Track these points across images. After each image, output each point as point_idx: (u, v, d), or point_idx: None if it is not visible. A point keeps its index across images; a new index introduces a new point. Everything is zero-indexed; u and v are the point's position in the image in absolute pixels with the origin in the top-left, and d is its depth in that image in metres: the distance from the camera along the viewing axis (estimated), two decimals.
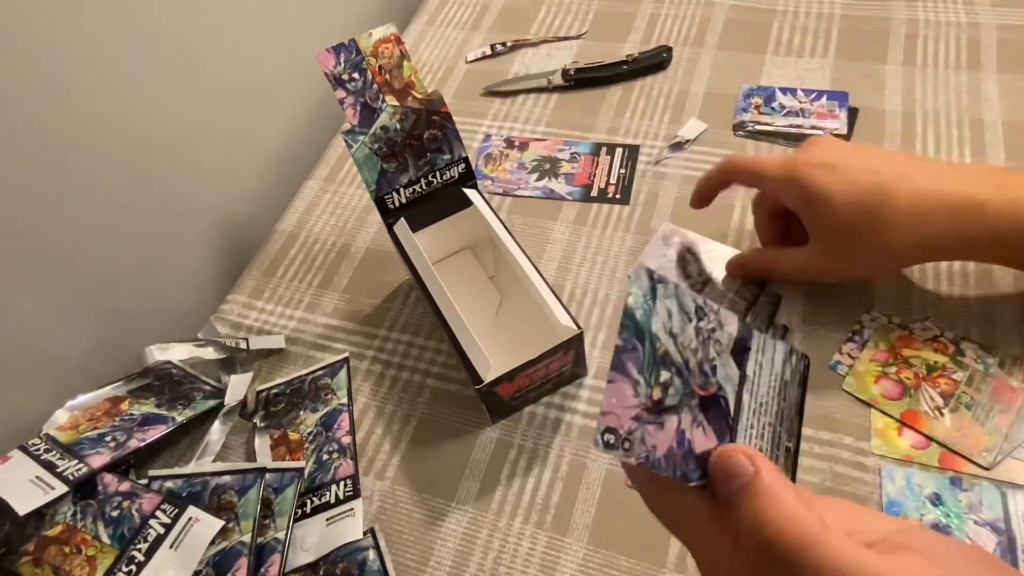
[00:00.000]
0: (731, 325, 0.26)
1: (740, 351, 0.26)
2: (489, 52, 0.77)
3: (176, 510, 0.45)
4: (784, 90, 0.66)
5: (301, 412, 0.53)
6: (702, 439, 0.24)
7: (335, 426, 0.52)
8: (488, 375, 0.44)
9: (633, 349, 0.23)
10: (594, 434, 0.23)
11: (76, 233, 0.53)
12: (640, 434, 0.23)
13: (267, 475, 0.47)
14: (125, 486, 0.46)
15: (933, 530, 0.23)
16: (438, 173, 0.52)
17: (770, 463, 0.24)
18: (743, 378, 0.26)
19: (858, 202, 0.42)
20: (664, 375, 0.24)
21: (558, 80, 0.71)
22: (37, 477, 0.45)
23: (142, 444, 0.49)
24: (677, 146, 0.65)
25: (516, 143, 0.68)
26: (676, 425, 0.24)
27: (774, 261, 0.50)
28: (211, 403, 0.54)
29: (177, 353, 0.55)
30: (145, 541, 0.44)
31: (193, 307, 0.65)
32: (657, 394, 0.23)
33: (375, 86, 0.48)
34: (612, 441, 0.22)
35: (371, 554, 0.46)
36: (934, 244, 0.43)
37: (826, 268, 0.48)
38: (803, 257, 0.48)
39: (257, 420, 0.53)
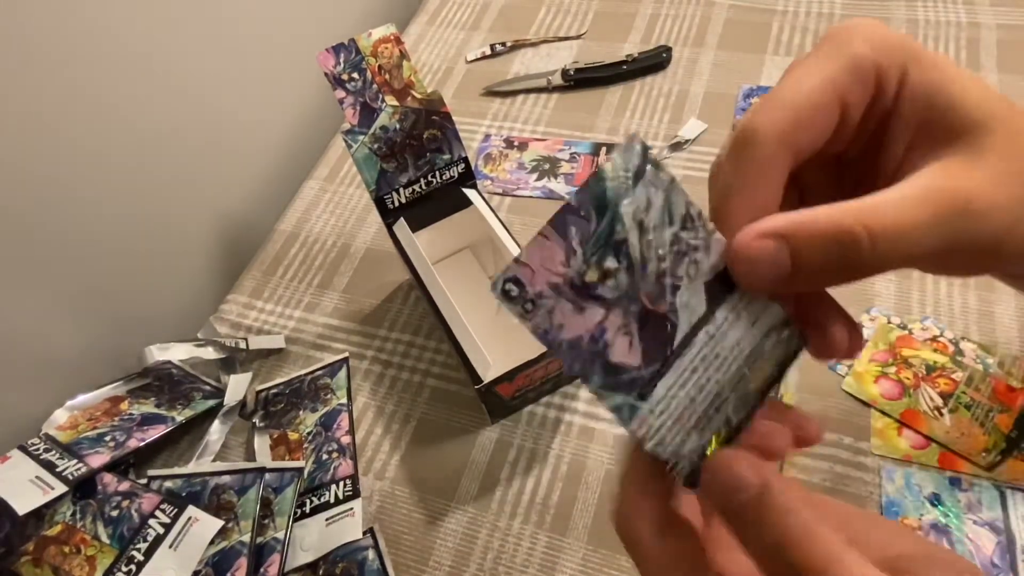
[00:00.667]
0: (719, 256, 0.21)
1: (718, 290, 0.21)
2: (489, 52, 0.77)
3: (175, 510, 0.45)
4: None
5: (301, 412, 0.53)
6: (624, 351, 0.20)
7: (334, 426, 0.52)
8: (488, 375, 0.44)
9: (584, 217, 0.19)
10: (495, 278, 0.19)
11: (76, 233, 0.53)
12: (551, 305, 0.20)
13: (267, 475, 0.47)
14: (125, 486, 0.46)
15: (949, 555, 0.21)
16: (438, 173, 0.52)
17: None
18: (707, 316, 0.21)
19: (986, 87, 0.21)
20: (610, 262, 0.20)
21: (558, 80, 0.71)
22: (37, 477, 0.45)
23: (142, 444, 0.49)
24: (677, 146, 0.65)
25: (516, 143, 0.68)
26: (599, 319, 0.20)
27: (876, 211, 0.19)
28: (211, 403, 0.54)
29: (177, 353, 0.55)
30: (144, 541, 0.44)
31: (193, 307, 0.65)
32: (592, 276, 0.20)
33: (375, 86, 0.48)
34: (514, 294, 0.19)
35: (370, 554, 0.46)
36: None
37: (991, 200, 0.20)
38: (949, 180, 0.20)
39: (257, 420, 0.53)
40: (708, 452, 0.22)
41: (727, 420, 0.22)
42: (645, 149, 0.20)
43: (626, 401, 0.21)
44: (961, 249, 0.19)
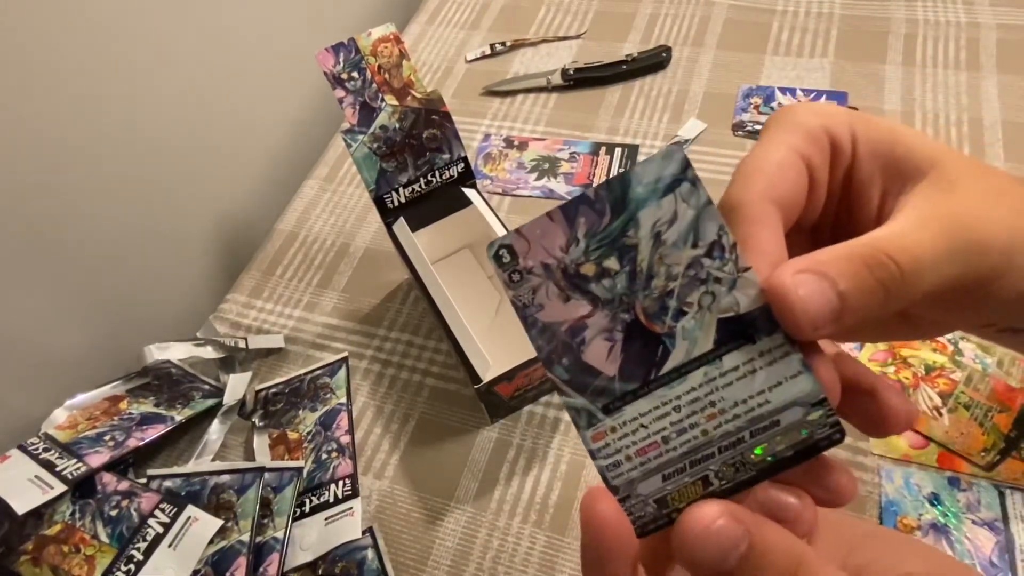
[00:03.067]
0: (748, 297, 0.19)
1: (734, 334, 0.19)
2: (488, 52, 0.77)
3: (175, 509, 0.45)
4: (783, 90, 0.66)
5: (300, 411, 0.53)
6: (600, 355, 0.19)
7: (334, 425, 0.52)
8: (487, 375, 0.44)
9: (598, 210, 0.19)
10: (493, 241, 0.19)
11: (75, 233, 0.53)
12: (538, 283, 0.19)
13: (266, 474, 0.47)
14: (124, 485, 0.46)
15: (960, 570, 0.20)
16: (437, 172, 0.52)
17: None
18: (711, 356, 0.19)
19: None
20: (611, 263, 0.19)
21: (557, 80, 0.71)
22: (36, 476, 0.45)
23: (141, 443, 0.49)
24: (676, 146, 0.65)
25: (515, 143, 0.68)
26: (583, 314, 0.19)
27: (898, 243, 0.19)
28: (210, 402, 0.54)
29: (176, 352, 0.55)
30: (144, 540, 0.44)
31: (192, 306, 0.65)
32: (588, 270, 0.19)
33: (374, 85, 0.48)
34: (505, 260, 0.19)
35: (370, 553, 0.46)
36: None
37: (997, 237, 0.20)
38: (931, 214, 0.20)
39: (256, 419, 0.53)
40: (672, 502, 0.19)
41: (705, 480, 0.19)
42: (686, 163, 0.19)
43: (587, 407, 0.19)
44: (967, 276, 0.19)
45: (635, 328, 0.19)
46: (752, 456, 0.19)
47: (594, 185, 0.18)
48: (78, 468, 0.46)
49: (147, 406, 0.53)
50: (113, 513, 0.45)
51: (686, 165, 0.19)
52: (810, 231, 0.23)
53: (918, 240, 0.18)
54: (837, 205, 0.23)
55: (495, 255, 0.19)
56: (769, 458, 0.19)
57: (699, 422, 0.19)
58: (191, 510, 0.45)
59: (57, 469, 0.46)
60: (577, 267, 0.19)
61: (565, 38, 0.77)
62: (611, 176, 0.19)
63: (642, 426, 0.19)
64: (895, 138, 0.21)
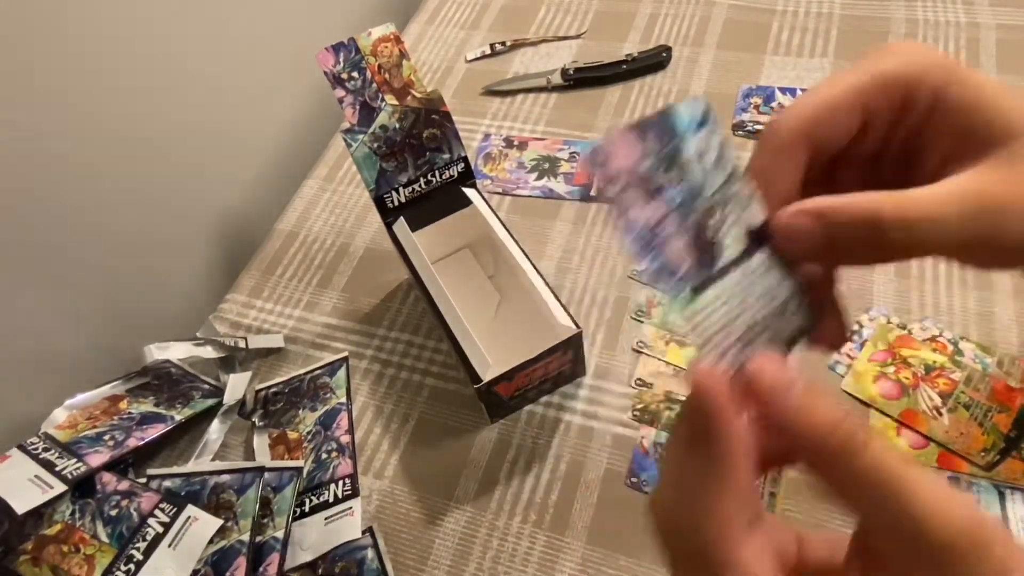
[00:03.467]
0: (756, 216, 0.24)
1: (756, 239, 0.24)
2: (488, 51, 0.77)
3: (175, 509, 0.45)
4: (784, 90, 0.66)
5: (300, 411, 0.53)
6: (679, 249, 0.23)
7: (334, 425, 0.52)
8: (487, 374, 0.44)
9: (656, 134, 0.23)
10: (592, 144, 0.23)
11: (75, 233, 0.53)
12: (625, 183, 0.22)
13: (266, 474, 0.47)
14: (124, 485, 0.46)
15: None
16: (437, 172, 0.52)
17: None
18: (743, 259, 0.24)
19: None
20: (674, 175, 0.23)
21: (557, 80, 0.71)
22: (36, 476, 0.45)
23: (141, 443, 0.49)
24: None
25: (515, 142, 0.68)
26: (661, 215, 0.23)
27: (901, 204, 0.22)
28: (210, 402, 0.54)
29: (176, 352, 0.55)
30: (144, 540, 0.44)
31: (192, 306, 0.65)
32: (660, 181, 0.23)
33: (374, 85, 0.48)
34: (600, 161, 0.22)
35: (370, 553, 0.46)
36: None
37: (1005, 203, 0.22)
38: (980, 182, 0.22)
39: (256, 419, 0.53)
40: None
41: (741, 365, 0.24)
42: (708, 107, 0.23)
43: (679, 290, 0.23)
44: (988, 245, 0.21)
45: (697, 230, 0.23)
46: (782, 336, 0.25)
47: (642, 116, 0.23)
48: (78, 468, 0.46)
49: (147, 406, 0.53)
50: (113, 513, 0.45)
51: (708, 109, 0.23)
52: (871, 158, 0.25)
53: (927, 208, 0.21)
54: (900, 148, 0.24)
55: (591, 156, 0.22)
56: (786, 336, 0.25)
57: (748, 307, 0.24)
58: (191, 510, 0.45)
59: (57, 469, 0.46)
60: (652, 175, 0.23)
61: (565, 38, 0.77)
62: (655, 111, 0.23)
63: (716, 310, 0.24)
64: (978, 106, 0.22)
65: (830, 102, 0.23)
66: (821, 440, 0.20)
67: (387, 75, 0.48)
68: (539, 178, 0.65)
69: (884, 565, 0.20)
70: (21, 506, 0.43)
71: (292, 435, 0.52)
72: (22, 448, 0.47)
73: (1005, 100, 0.22)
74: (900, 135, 0.24)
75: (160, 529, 0.44)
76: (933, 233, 0.21)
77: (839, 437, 0.20)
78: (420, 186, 0.52)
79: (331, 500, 0.48)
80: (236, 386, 0.55)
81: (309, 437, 0.51)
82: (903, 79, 0.23)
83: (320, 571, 0.45)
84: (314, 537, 0.46)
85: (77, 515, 0.45)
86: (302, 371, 0.56)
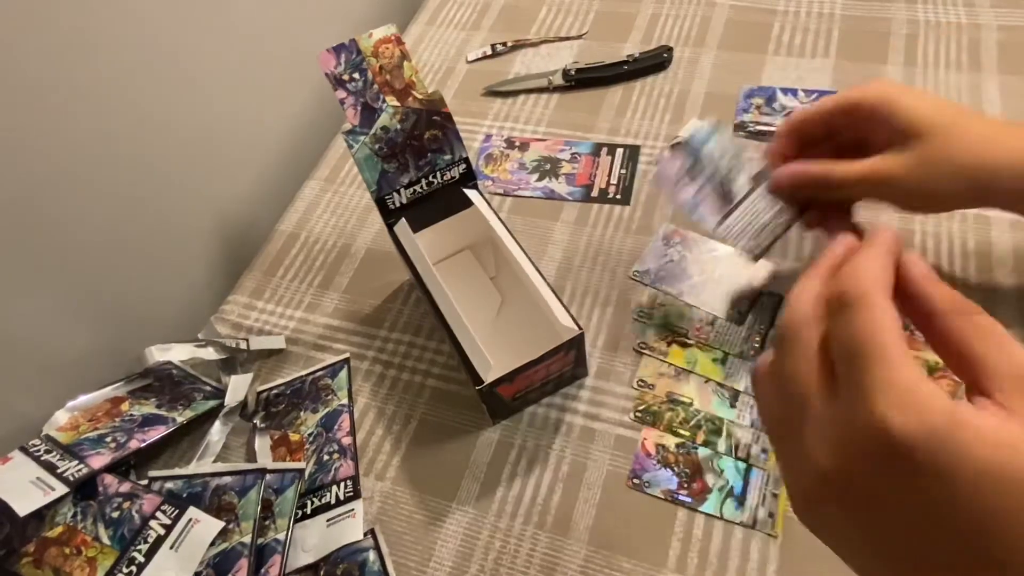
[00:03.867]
0: (755, 168, 0.46)
1: (758, 179, 0.46)
2: (489, 52, 0.77)
3: (176, 511, 0.45)
4: (785, 90, 0.66)
5: (301, 413, 0.53)
6: (709, 202, 0.46)
7: (335, 427, 0.52)
8: (489, 376, 0.44)
9: (685, 152, 0.47)
10: (669, 145, 0.50)
11: (77, 234, 0.53)
12: (676, 181, 0.47)
13: (267, 476, 0.47)
14: (125, 487, 0.46)
15: None
16: (439, 173, 0.52)
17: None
18: (748, 194, 0.46)
19: (938, 107, 0.43)
20: (699, 168, 0.46)
21: (559, 80, 0.71)
22: (37, 478, 0.45)
23: (142, 445, 0.49)
24: (678, 146, 0.65)
25: (517, 143, 0.68)
26: (697, 187, 0.46)
27: (836, 170, 0.44)
28: (211, 404, 0.54)
29: (177, 354, 0.55)
30: (145, 542, 0.44)
31: (193, 307, 0.65)
32: (693, 173, 0.46)
33: (375, 86, 0.48)
34: (659, 175, 0.49)
35: (371, 555, 0.46)
36: (992, 180, 0.42)
37: (899, 176, 0.42)
38: (876, 163, 0.43)
39: (257, 421, 0.53)
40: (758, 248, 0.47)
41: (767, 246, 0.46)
42: (714, 124, 0.47)
43: (716, 220, 0.46)
44: (886, 198, 0.44)
45: (719, 189, 0.46)
46: (777, 229, 0.46)
47: (674, 142, 0.51)
48: (79, 470, 0.46)
49: (148, 407, 0.53)
50: (115, 515, 0.45)
51: (713, 127, 0.46)
52: (836, 147, 0.45)
53: (848, 173, 0.43)
54: (858, 142, 0.44)
55: (656, 177, 0.48)
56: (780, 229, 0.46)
57: (756, 218, 0.46)
58: (192, 512, 0.45)
59: (59, 471, 0.46)
60: (686, 173, 0.46)
61: (566, 38, 0.77)
62: (679, 141, 0.46)
63: (736, 222, 0.46)
64: (897, 113, 0.42)
65: (808, 116, 0.45)
66: (947, 304, 0.26)
67: (388, 76, 0.48)
68: (540, 179, 0.65)
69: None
70: (23, 508, 0.43)
71: (294, 437, 0.52)
72: (24, 450, 0.47)
73: (917, 109, 0.41)
74: (853, 133, 0.44)
75: (162, 531, 0.44)
76: (854, 188, 0.43)
77: (957, 304, 0.26)
78: (421, 187, 0.52)
79: (333, 502, 0.48)
80: (237, 388, 0.55)
81: (311, 439, 0.51)
82: (854, 101, 0.43)
83: (322, 573, 0.45)
84: (316, 539, 0.46)
85: (79, 517, 0.45)
86: (303, 372, 0.56)
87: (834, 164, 0.43)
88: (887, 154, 0.42)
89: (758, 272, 0.54)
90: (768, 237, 0.45)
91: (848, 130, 0.44)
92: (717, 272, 0.55)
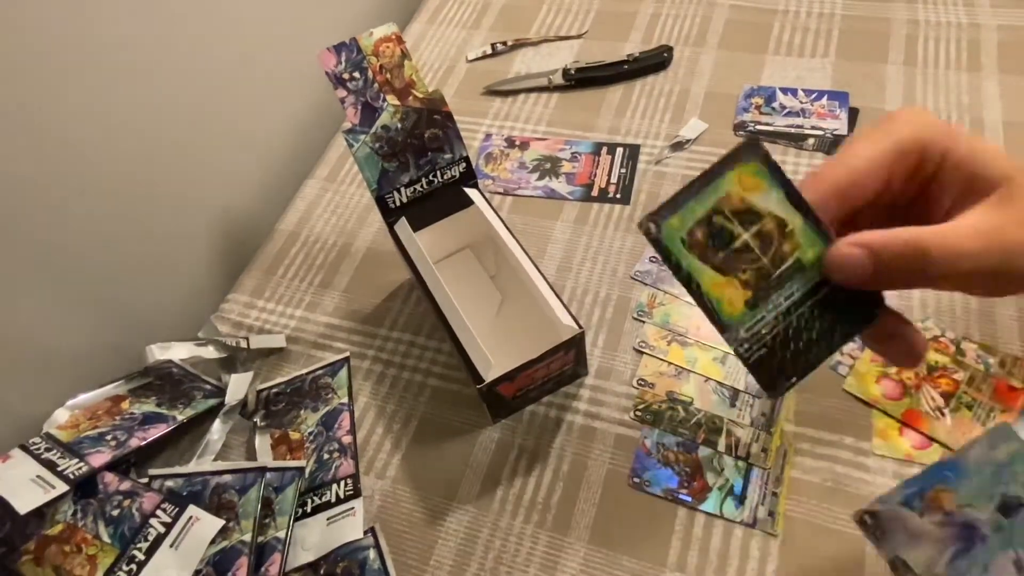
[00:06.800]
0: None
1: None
2: (490, 51, 0.77)
3: (176, 509, 0.45)
4: (785, 90, 0.66)
5: (302, 411, 0.53)
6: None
7: (336, 425, 0.52)
8: (489, 375, 0.44)
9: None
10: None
11: (77, 233, 0.53)
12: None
13: (267, 474, 0.47)
14: (126, 485, 0.46)
15: None
16: (439, 172, 0.52)
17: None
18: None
19: (996, 149, 0.29)
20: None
21: (559, 79, 0.71)
22: (38, 476, 0.45)
23: (143, 443, 0.49)
24: (678, 146, 0.65)
25: (517, 142, 0.68)
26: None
27: (943, 240, 0.26)
28: (212, 402, 0.54)
29: (178, 352, 0.55)
30: (146, 540, 0.44)
31: (194, 306, 0.65)
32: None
33: (376, 85, 0.48)
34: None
35: (372, 553, 0.46)
36: None
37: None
38: (990, 221, 0.27)
39: (258, 419, 0.53)
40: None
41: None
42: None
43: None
44: (1005, 275, 0.26)
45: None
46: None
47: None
48: (80, 468, 0.46)
49: (149, 406, 0.53)
50: (115, 513, 0.45)
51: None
52: (888, 207, 0.30)
53: (960, 242, 0.26)
54: (913, 197, 0.29)
55: None
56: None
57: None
58: (193, 510, 0.45)
59: (59, 469, 0.46)
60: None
61: (566, 38, 0.77)
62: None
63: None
64: (975, 158, 0.27)
65: (861, 171, 0.28)
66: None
67: (389, 75, 0.48)
68: (540, 178, 0.65)
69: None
70: (23, 506, 0.43)
71: (294, 435, 0.52)
72: (24, 448, 0.47)
73: (989, 154, 0.27)
74: (913, 186, 0.29)
75: (162, 529, 0.44)
76: (963, 263, 0.25)
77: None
78: (422, 186, 0.52)
79: (333, 500, 0.48)
80: (238, 386, 0.55)
81: (311, 437, 0.51)
82: (918, 144, 0.28)
83: (322, 571, 0.45)
84: (316, 537, 0.46)
85: (79, 515, 0.45)
86: (304, 371, 0.56)
87: (925, 230, 0.26)
88: (987, 205, 0.27)
89: None
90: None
91: (902, 185, 0.29)
92: None
